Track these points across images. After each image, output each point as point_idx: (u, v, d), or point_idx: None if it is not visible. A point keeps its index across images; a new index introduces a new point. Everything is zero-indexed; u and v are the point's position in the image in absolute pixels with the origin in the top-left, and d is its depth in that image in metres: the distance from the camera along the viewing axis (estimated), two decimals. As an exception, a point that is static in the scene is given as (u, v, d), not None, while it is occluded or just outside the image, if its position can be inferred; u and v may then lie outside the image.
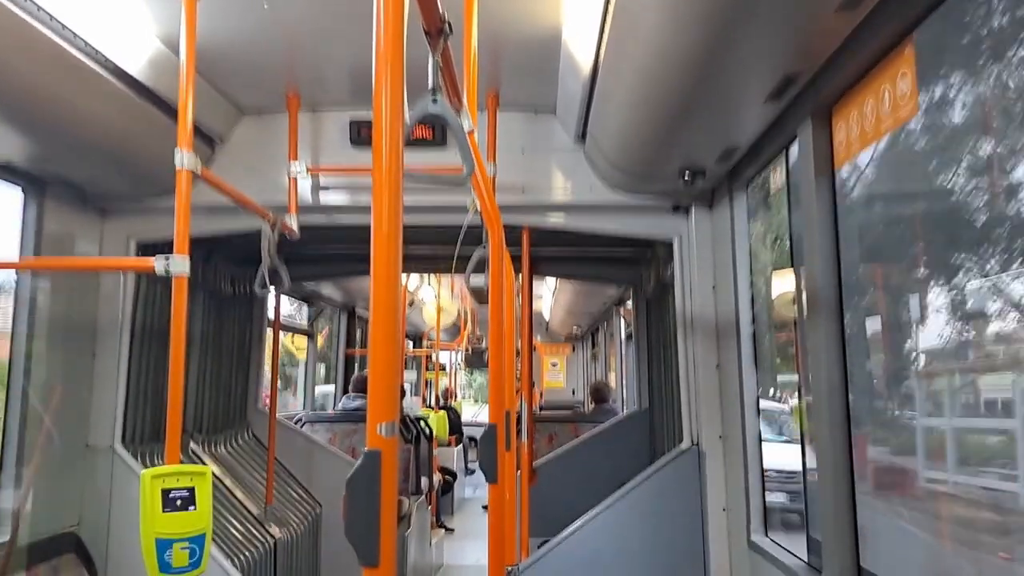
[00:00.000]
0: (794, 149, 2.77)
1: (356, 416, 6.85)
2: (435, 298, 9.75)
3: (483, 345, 15.40)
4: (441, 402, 12.25)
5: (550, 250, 4.93)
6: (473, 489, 12.47)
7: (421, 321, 11.40)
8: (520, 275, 4.52)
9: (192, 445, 4.33)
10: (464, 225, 2.54)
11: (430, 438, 7.95)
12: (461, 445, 11.88)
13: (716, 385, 3.66)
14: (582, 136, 3.65)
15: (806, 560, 2.92)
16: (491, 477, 2.11)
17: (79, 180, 3.50)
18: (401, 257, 1.07)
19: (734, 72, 2.36)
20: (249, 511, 4.26)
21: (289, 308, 8.18)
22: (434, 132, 3.69)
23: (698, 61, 2.27)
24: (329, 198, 3.86)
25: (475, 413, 19.31)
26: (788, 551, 3.09)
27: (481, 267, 2.75)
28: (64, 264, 3.56)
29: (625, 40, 2.43)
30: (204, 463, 4.29)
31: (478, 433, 12.03)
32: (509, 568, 2.67)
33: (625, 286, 6.77)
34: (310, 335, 8.51)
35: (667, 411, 4.82)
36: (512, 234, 3.78)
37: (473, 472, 12.90)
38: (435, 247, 4.52)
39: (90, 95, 2.87)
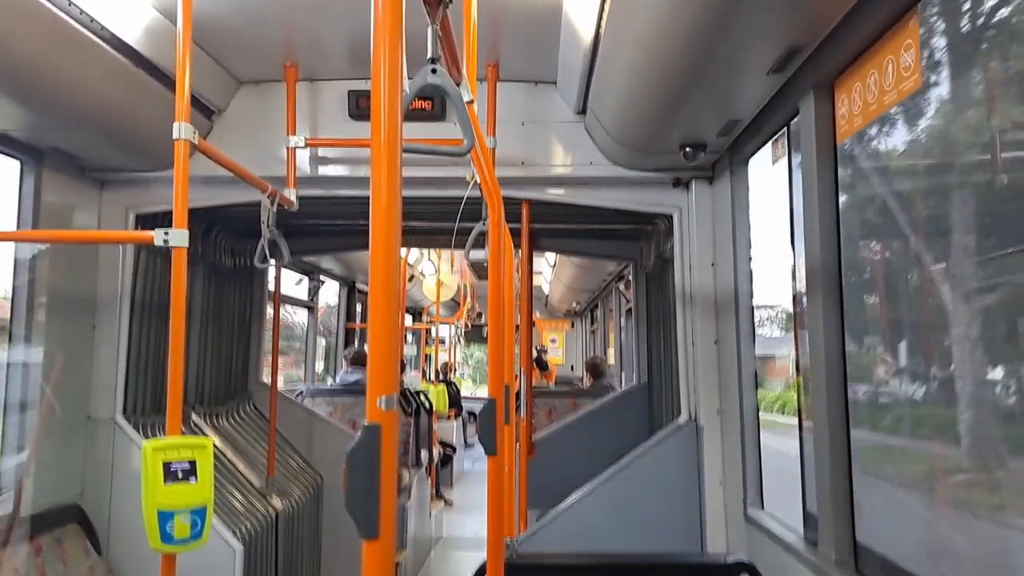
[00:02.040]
0: (796, 123, 2.75)
1: (355, 389, 6.89)
2: (435, 272, 9.74)
3: (482, 320, 15.44)
4: (441, 376, 12.30)
5: (550, 225, 4.92)
6: (472, 462, 12.56)
7: (421, 296, 11.41)
8: (520, 249, 4.51)
9: (193, 417, 4.35)
10: (464, 198, 2.52)
11: (430, 411, 8.00)
12: (460, 419, 11.96)
13: (714, 360, 3.67)
14: (583, 109, 3.62)
15: (802, 534, 2.95)
16: (490, 450, 2.12)
17: (76, 151, 3.48)
18: (400, 230, 1.06)
19: (736, 44, 2.33)
20: (251, 483, 4.29)
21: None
22: (433, 104, 3.66)
23: (700, 33, 2.24)
24: (328, 170, 3.84)
25: (472, 392, 19.40)
26: (784, 524, 3.12)
27: (481, 242, 2.74)
28: (64, 237, 3.55)
29: (626, 11, 2.41)
30: (205, 435, 4.31)
31: (477, 407, 12.10)
32: (508, 540, 2.69)
33: (625, 262, 6.77)
34: (310, 308, 8.52)
35: (665, 386, 4.84)
36: (511, 208, 3.77)
37: (472, 446, 13.00)
38: (434, 222, 4.51)
39: (86, 65, 2.84)
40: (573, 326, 17.36)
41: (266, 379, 5.10)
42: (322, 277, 8.44)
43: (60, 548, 3.34)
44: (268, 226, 3.42)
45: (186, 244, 2.58)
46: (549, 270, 12.10)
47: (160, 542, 2.47)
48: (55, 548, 3.32)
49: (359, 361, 7.33)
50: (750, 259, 3.56)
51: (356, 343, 8.88)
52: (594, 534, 3.66)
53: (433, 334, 12.34)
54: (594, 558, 2.96)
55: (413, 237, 5.72)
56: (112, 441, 3.63)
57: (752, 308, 3.55)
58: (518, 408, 4.59)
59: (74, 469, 3.58)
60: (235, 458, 4.41)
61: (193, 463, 2.55)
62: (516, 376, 4.52)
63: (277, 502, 4.36)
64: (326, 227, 5.29)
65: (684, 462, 3.69)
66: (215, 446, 3.45)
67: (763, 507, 3.40)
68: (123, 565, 3.55)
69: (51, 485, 3.42)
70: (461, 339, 16.54)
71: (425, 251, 9.44)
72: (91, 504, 3.58)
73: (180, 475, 2.53)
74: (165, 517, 2.48)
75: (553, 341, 17.91)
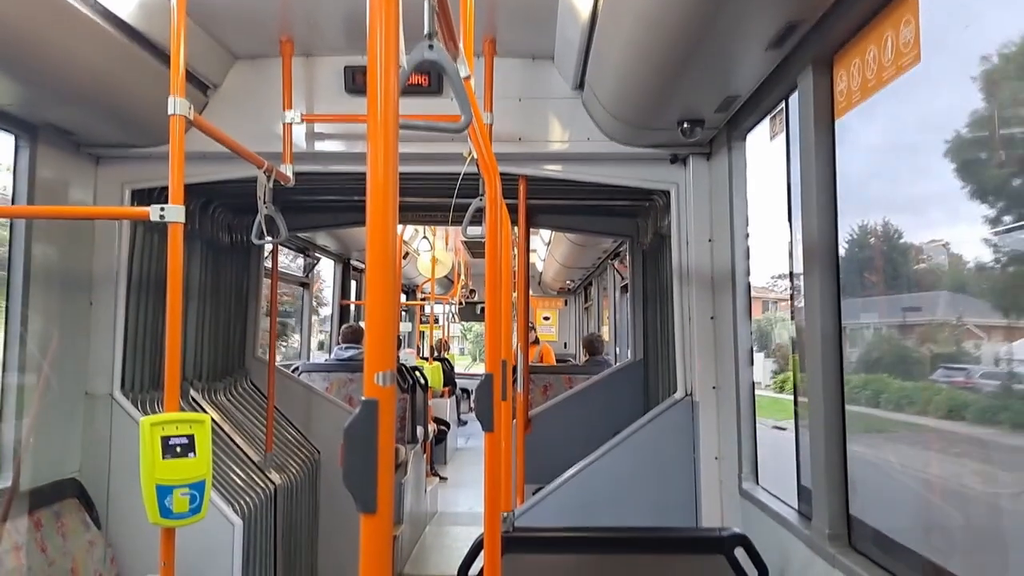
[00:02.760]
0: (794, 99, 2.74)
1: (352, 365, 6.91)
2: (430, 250, 9.73)
3: (475, 298, 15.44)
4: (436, 354, 12.32)
5: (547, 201, 4.91)
6: (466, 439, 12.62)
7: (415, 273, 11.41)
8: (517, 225, 4.50)
9: (191, 393, 4.36)
10: (461, 174, 2.52)
11: (425, 388, 8.03)
12: (454, 396, 12.01)
13: (710, 336, 3.69)
14: (580, 84, 3.60)
15: (796, 508, 2.98)
16: (487, 426, 2.13)
17: (71, 127, 3.46)
18: (397, 206, 1.06)
19: (735, 19, 2.32)
20: (249, 458, 4.32)
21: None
22: (430, 79, 3.63)
23: (698, 7, 2.23)
24: (324, 146, 3.83)
25: (467, 369, 19.42)
26: (778, 498, 3.15)
27: (477, 218, 2.74)
28: (59, 212, 3.54)
29: (625, -15, 2.38)
30: (203, 410, 4.33)
31: (471, 385, 12.14)
32: (505, 514, 2.71)
33: (621, 238, 6.77)
34: (306, 285, 8.52)
35: (661, 362, 4.86)
36: (508, 184, 3.75)
37: (466, 423, 13.07)
38: (431, 198, 4.50)
39: (80, 39, 2.81)
40: (566, 304, 17.38)
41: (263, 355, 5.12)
42: (317, 254, 8.43)
43: (59, 522, 3.36)
44: (264, 202, 3.41)
45: (182, 220, 2.57)
46: (543, 248, 12.09)
47: (159, 517, 2.49)
48: (54, 522, 3.34)
49: (352, 337, 7.34)
50: (747, 235, 3.56)
51: (351, 319, 8.89)
52: (590, 508, 3.70)
53: (428, 311, 12.34)
54: (590, 532, 2.99)
55: (409, 213, 5.71)
56: (110, 417, 3.64)
57: (749, 285, 3.56)
58: (515, 383, 4.61)
59: (72, 444, 3.60)
60: (233, 433, 4.43)
61: (191, 438, 2.56)
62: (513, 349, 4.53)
63: (275, 477, 4.39)
64: (323, 203, 5.27)
65: (680, 437, 3.72)
66: (213, 421, 3.46)
67: (758, 482, 3.44)
68: (122, 539, 3.58)
69: (50, 460, 3.44)
70: (455, 316, 16.57)
71: (420, 228, 9.41)
72: (90, 479, 3.60)
73: (179, 450, 2.54)
74: (164, 492, 2.49)
75: (547, 319, 17.94)
